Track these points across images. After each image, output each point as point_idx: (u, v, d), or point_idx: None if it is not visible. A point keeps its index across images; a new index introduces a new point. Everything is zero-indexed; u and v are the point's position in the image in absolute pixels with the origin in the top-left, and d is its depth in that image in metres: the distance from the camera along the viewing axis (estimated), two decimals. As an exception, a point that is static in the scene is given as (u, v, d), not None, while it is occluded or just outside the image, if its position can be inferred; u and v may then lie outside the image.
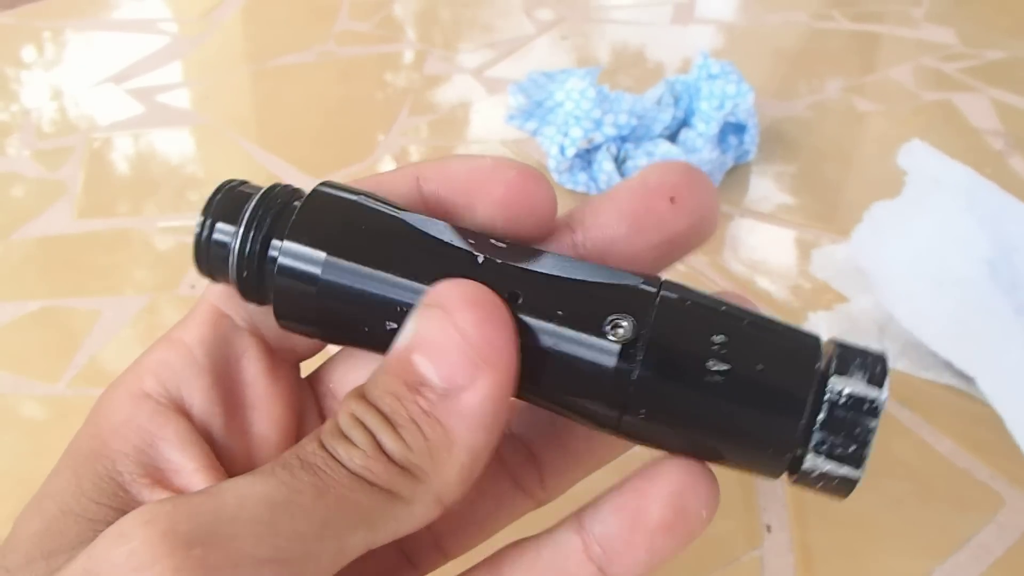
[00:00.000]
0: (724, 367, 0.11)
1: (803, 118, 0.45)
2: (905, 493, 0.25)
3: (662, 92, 0.40)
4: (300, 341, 0.14)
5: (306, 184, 0.14)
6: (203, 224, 0.13)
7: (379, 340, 0.12)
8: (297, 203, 0.13)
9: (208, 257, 0.13)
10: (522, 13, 0.58)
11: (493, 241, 0.12)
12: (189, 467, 0.12)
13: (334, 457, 0.11)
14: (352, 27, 0.56)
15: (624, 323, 0.11)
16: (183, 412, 0.13)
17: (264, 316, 0.14)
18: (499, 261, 0.12)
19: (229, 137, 0.44)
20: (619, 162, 0.38)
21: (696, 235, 0.13)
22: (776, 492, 0.25)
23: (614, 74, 0.50)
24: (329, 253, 0.12)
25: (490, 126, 0.45)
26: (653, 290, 0.12)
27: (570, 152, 0.37)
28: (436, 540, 0.14)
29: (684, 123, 0.40)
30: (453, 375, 0.11)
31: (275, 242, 0.12)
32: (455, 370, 0.11)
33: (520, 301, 0.11)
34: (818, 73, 0.50)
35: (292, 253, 0.12)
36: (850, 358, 0.11)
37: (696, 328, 0.11)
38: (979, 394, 0.27)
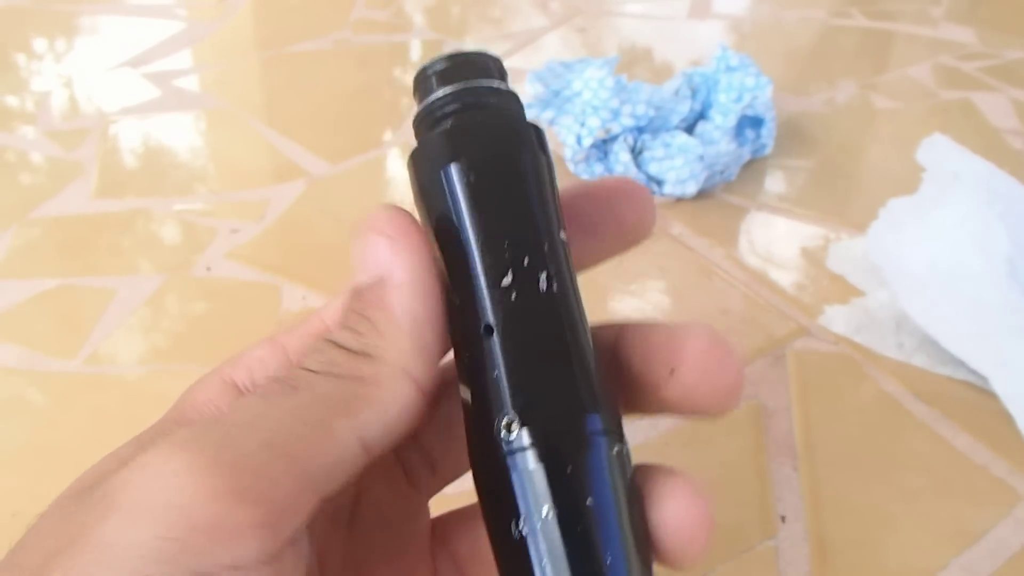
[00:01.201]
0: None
1: (820, 114, 0.45)
2: (922, 487, 0.25)
3: (680, 84, 0.40)
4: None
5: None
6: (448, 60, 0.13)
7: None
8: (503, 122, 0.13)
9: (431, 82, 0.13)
10: (537, 6, 0.57)
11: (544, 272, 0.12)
12: None
13: (303, 367, 0.12)
14: (369, 15, 0.56)
15: (515, 428, 0.11)
16: None
17: None
18: (516, 296, 0.12)
19: (244, 121, 0.44)
20: (636, 153, 0.38)
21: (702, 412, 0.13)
22: (791, 483, 0.25)
23: (630, 67, 0.49)
24: (462, 176, 0.12)
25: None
26: (588, 432, 0.12)
27: (587, 142, 0.37)
28: (431, 464, 0.15)
29: (701, 115, 0.39)
30: (377, 265, 0.12)
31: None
32: (378, 261, 0.12)
33: (492, 335, 0.12)
34: (835, 70, 0.49)
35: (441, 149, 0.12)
36: None
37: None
38: (995, 390, 0.27)
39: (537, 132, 0.13)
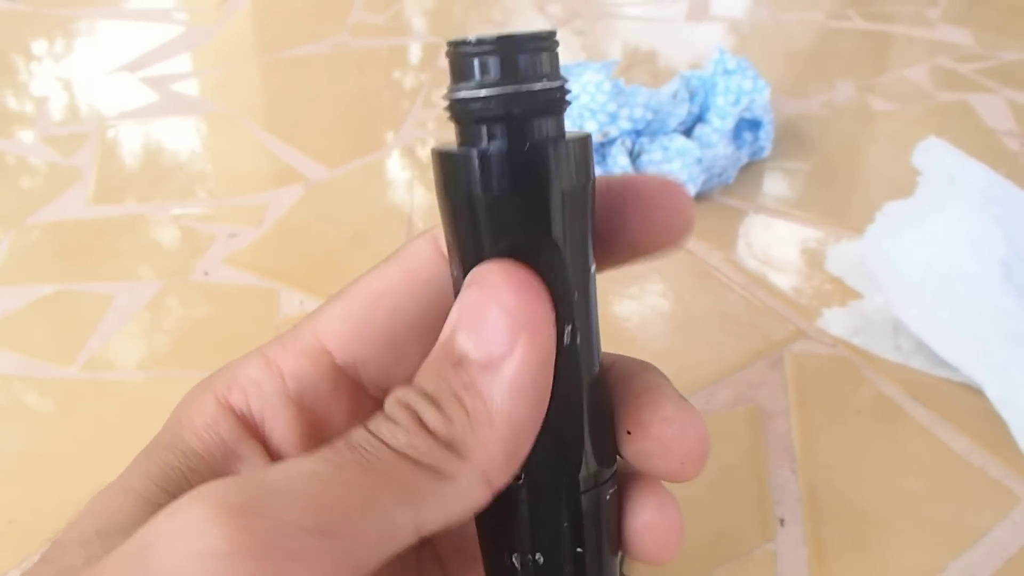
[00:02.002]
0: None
1: (818, 116, 0.45)
2: (920, 489, 0.25)
3: (678, 87, 0.40)
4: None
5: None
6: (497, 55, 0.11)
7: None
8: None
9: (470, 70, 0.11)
10: (536, 9, 0.58)
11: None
12: None
13: (378, 437, 0.11)
14: (367, 19, 0.56)
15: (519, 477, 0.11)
16: (261, 438, 0.13)
17: (366, 360, 0.14)
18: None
19: (242, 126, 0.44)
20: (634, 156, 0.38)
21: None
22: (789, 486, 0.25)
23: (628, 69, 0.49)
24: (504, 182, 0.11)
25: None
26: (584, 489, 0.12)
27: (584, 145, 0.37)
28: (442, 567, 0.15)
29: (699, 118, 0.39)
30: (492, 345, 0.11)
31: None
32: (494, 340, 0.11)
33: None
34: (833, 72, 0.50)
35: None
36: None
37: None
38: (994, 393, 0.27)
39: (582, 151, 0.11)
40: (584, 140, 0.11)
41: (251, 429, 0.13)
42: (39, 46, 0.53)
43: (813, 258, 0.35)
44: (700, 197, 0.38)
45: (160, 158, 0.41)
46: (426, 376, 0.11)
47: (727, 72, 0.39)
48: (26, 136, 0.43)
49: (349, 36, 0.54)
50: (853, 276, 0.33)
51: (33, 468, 0.25)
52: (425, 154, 0.42)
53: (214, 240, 0.35)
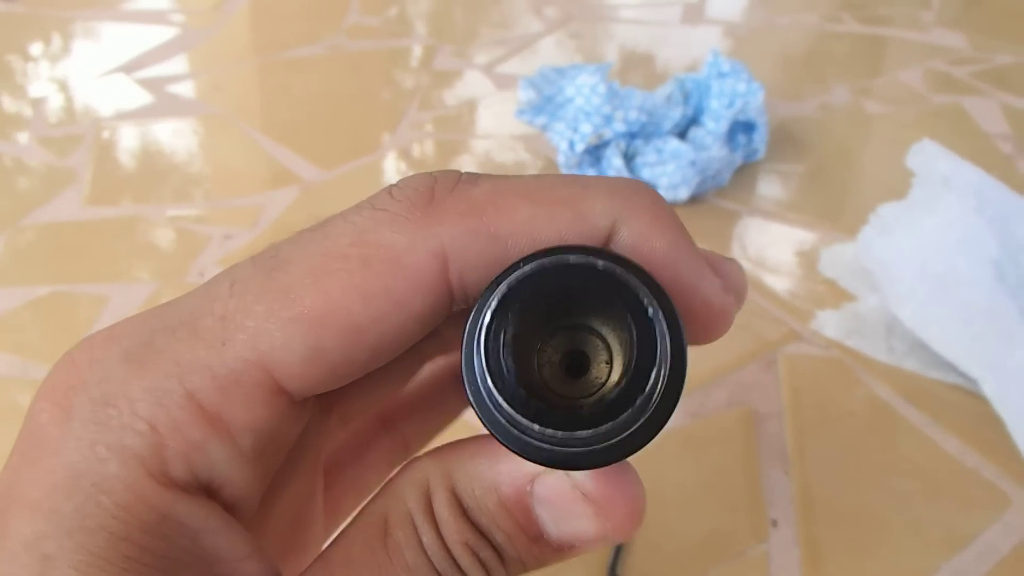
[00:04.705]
0: None
1: (812, 118, 0.45)
2: (912, 491, 0.25)
3: (672, 89, 0.40)
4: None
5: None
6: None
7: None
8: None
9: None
10: (531, 12, 0.58)
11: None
12: (234, 555, 0.11)
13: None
14: (363, 21, 0.56)
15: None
16: (218, 499, 0.11)
17: (334, 390, 0.11)
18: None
19: (238, 127, 0.44)
20: (628, 158, 0.38)
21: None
22: (782, 487, 0.25)
23: (623, 72, 0.50)
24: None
25: (500, 121, 0.45)
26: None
27: (579, 147, 0.37)
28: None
29: (694, 120, 0.40)
30: (573, 537, 0.11)
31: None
32: (575, 532, 0.11)
33: None
34: (827, 75, 0.50)
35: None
36: None
37: None
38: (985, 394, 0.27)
39: None
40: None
41: (207, 495, 0.10)
42: (35, 47, 0.53)
43: (807, 260, 0.35)
44: (694, 199, 0.38)
45: (156, 159, 0.41)
46: (494, 525, 0.11)
47: (721, 75, 0.39)
48: (22, 137, 0.43)
49: (345, 38, 0.54)
50: (847, 278, 0.33)
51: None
52: (421, 155, 0.42)
53: (209, 241, 0.35)
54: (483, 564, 0.11)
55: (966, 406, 0.28)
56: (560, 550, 0.11)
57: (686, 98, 0.39)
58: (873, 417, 0.28)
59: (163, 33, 0.54)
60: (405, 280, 0.10)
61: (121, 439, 0.10)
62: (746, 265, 0.34)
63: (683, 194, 0.37)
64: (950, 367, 0.29)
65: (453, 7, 0.59)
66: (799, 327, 0.31)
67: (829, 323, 0.31)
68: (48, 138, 0.43)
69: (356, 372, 0.11)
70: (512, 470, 0.11)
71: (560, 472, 0.10)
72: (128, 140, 0.43)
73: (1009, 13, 0.57)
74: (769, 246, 0.36)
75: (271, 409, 0.10)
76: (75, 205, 0.38)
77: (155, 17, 0.56)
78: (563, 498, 0.11)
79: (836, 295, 0.33)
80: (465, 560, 0.11)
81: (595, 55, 0.52)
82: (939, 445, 0.27)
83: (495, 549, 0.11)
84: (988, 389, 0.27)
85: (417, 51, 0.53)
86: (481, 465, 0.11)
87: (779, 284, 0.33)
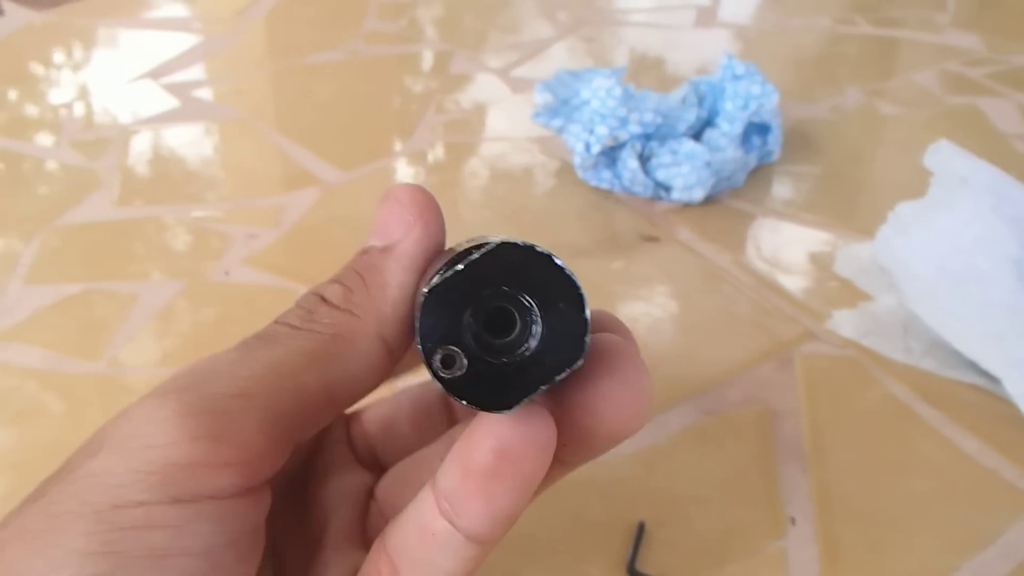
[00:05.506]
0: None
1: (826, 120, 0.45)
2: (930, 491, 0.25)
3: (687, 91, 0.40)
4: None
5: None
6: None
7: None
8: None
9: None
10: (542, 16, 0.58)
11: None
12: None
13: (282, 322, 0.13)
14: (380, 27, 0.57)
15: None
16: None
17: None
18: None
19: (260, 131, 0.45)
20: (644, 159, 0.38)
21: None
22: (798, 485, 0.25)
23: (637, 75, 0.50)
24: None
25: (516, 124, 0.45)
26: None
27: (595, 149, 0.38)
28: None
29: (708, 123, 0.40)
30: (390, 232, 0.13)
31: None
32: (392, 228, 0.13)
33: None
34: (841, 76, 0.50)
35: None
36: None
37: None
38: (1005, 394, 0.27)
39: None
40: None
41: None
42: (67, 55, 0.54)
43: (822, 260, 0.35)
44: (709, 200, 0.38)
45: (181, 162, 0.42)
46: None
47: (736, 77, 0.40)
48: (54, 141, 0.44)
49: (363, 43, 0.55)
50: (862, 278, 0.33)
51: (60, 461, 0.25)
52: (435, 158, 0.43)
53: (233, 241, 0.36)
54: (314, 292, 0.13)
55: (984, 406, 0.28)
56: (386, 251, 0.13)
57: (701, 100, 0.40)
58: (890, 416, 0.28)
59: (187, 40, 0.55)
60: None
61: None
62: (761, 265, 0.34)
63: (698, 195, 0.37)
64: (969, 367, 0.29)
65: (463, 13, 0.60)
66: (815, 327, 0.31)
67: (845, 322, 0.31)
68: (79, 142, 0.44)
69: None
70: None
71: (381, 203, 0.13)
72: (155, 143, 0.44)
73: (1025, 14, 0.57)
74: (784, 246, 0.36)
75: (256, 505, 0.13)
76: (106, 206, 0.39)
77: (179, 24, 0.57)
78: (381, 212, 0.13)
79: (852, 295, 0.33)
80: (300, 298, 0.13)
81: (607, 59, 0.53)
82: (957, 445, 0.27)
83: (334, 279, 0.13)
84: (1011, 387, 0.27)
85: (432, 56, 0.54)
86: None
87: (794, 284, 0.33)
